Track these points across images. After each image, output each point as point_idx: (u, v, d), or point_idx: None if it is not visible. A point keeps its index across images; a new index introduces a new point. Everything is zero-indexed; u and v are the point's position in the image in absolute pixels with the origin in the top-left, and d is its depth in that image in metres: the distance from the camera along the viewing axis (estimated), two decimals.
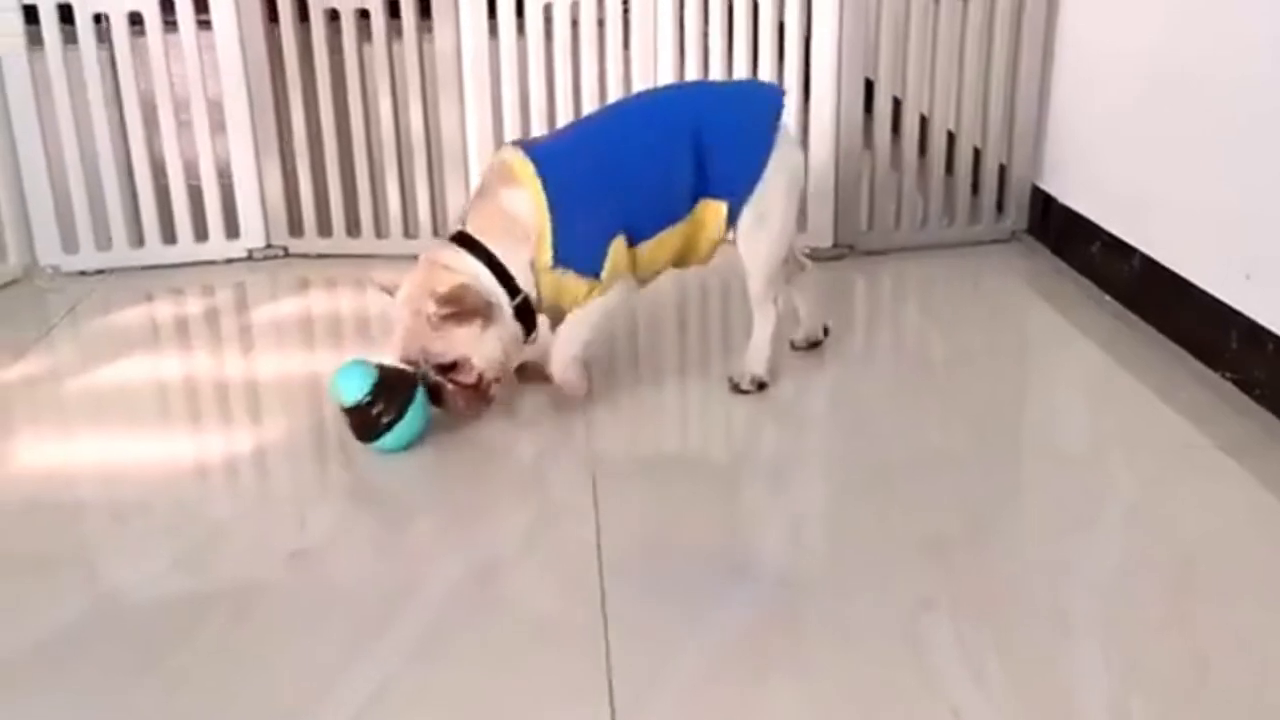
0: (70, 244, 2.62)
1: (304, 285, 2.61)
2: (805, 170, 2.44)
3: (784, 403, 2.03)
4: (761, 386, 2.04)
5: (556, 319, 1.97)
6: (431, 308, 1.80)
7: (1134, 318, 2.28)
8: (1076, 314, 2.35)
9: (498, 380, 1.90)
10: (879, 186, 2.66)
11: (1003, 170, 2.70)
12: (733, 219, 1.96)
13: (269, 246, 2.72)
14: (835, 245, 2.65)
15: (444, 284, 1.82)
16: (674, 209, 1.96)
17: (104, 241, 2.64)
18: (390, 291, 1.90)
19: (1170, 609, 1.45)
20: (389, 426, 1.81)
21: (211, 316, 2.49)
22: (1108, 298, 2.38)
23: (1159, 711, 1.28)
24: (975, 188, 2.71)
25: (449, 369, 1.86)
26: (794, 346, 2.19)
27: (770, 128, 1.99)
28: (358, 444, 1.84)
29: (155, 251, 2.66)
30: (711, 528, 1.65)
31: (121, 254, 2.65)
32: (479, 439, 1.90)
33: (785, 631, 1.42)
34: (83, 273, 2.62)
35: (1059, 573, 1.52)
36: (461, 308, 1.81)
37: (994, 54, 2.60)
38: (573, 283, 1.89)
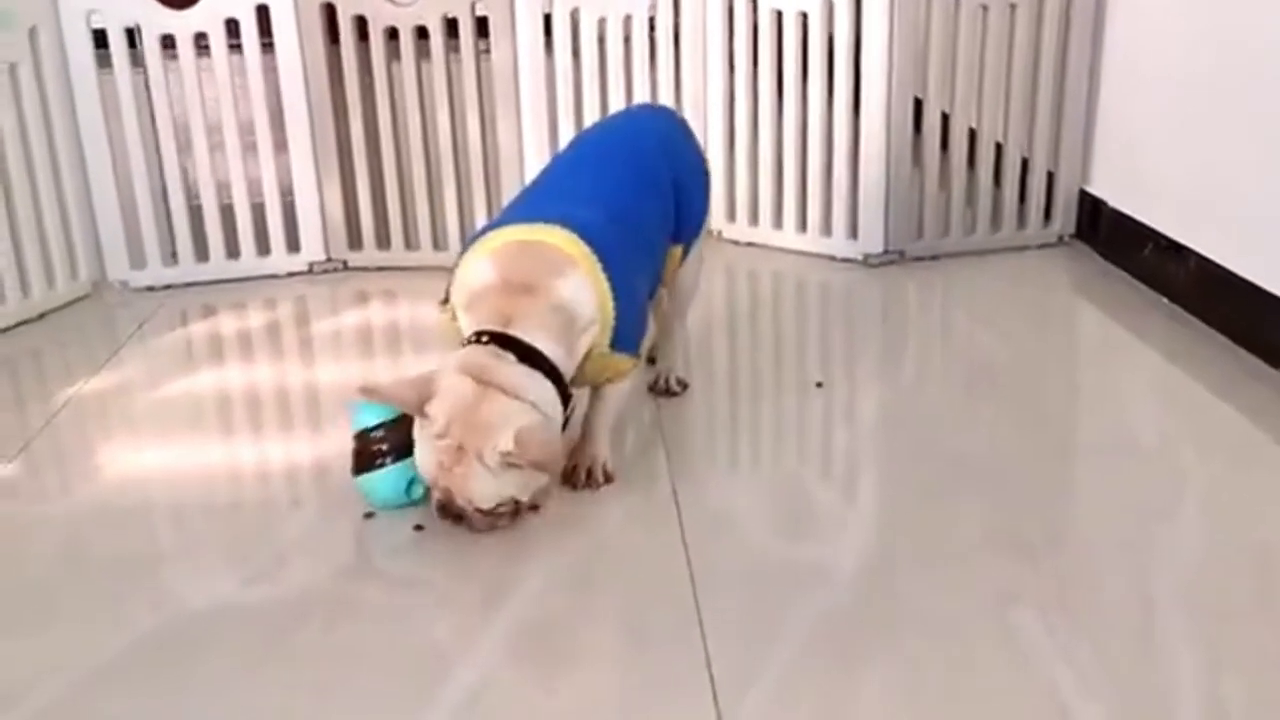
0: (138, 260, 2.67)
1: (363, 298, 2.65)
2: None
3: (845, 405, 2.06)
4: (684, 386, 2.07)
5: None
6: (495, 454, 1.53)
7: (1187, 317, 2.31)
8: (1128, 316, 2.38)
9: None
10: (928, 197, 2.70)
11: (1050, 177, 2.73)
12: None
13: (329, 260, 2.76)
14: (886, 251, 2.69)
15: (505, 418, 1.53)
16: (663, 264, 1.88)
17: (169, 257, 2.69)
18: (378, 394, 1.62)
19: (1253, 599, 1.49)
20: (382, 463, 1.68)
21: (274, 330, 2.53)
22: (1164, 300, 2.40)
23: (1253, 698, 1.31)
24: (1022, 195, 2.74)
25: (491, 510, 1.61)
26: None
27: (703, 158, 1.96)
28: None
29: (219, 266, 2.71)
30: (789, 526, 1.69)
31: (187, 269, 2.70)
32: None
33: (873, 624, 1.45)
34: (150, 288, 2.67)
35: (1139, 566, 1.55)
36: (532, 460, 1.54)
37: (1042, 59, 2.63)
38: (617, 360, 1.72)
